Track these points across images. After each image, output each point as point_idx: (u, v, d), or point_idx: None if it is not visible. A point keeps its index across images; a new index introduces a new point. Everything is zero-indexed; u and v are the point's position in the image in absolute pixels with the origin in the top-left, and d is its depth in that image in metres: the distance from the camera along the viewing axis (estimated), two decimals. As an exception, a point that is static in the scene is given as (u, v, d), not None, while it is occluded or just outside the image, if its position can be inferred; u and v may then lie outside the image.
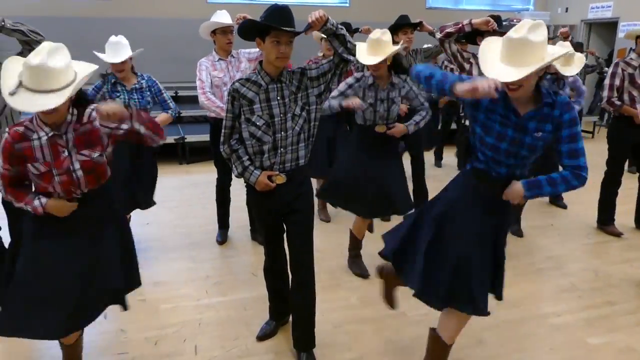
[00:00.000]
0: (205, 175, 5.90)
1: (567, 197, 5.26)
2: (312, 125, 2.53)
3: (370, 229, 3.96)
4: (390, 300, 2.80)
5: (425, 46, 4.52)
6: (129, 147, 3.41)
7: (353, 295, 3.42)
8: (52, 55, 1.90)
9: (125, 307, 2.39)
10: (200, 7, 8.06)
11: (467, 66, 3.52)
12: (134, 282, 2.43)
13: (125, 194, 3.53)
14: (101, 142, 2.16)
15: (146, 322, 3.05)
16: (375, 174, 3.42)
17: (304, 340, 2.68)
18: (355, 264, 3.75)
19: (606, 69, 7.08)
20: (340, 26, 2.38)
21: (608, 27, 10.14)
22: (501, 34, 3.43)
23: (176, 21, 8.14)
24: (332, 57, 2.49)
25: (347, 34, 2.40)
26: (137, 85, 3.66)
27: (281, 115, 2.42)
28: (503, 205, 2.23)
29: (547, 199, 5.39)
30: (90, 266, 2.18)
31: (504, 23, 3.70)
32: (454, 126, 6.89)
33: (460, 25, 3.40)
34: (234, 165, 2.56)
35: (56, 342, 2.57)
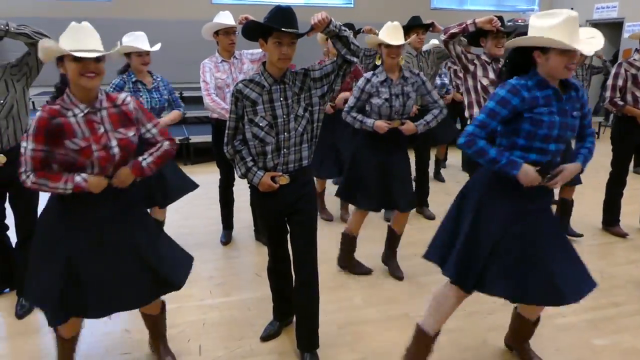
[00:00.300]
0: (210, 175, 5.91)
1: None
2: (315, 126, 2.53)
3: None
4: None
5: (435, 42, 4.51)
6: None
7: (357, 295, 3.42)
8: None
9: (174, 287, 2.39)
10: (204, 9, 8.10)
11: (471, 67, 3.51)
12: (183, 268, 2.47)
13: (143, 191, 3.51)
14: (135, 124, 2.24)
15: (150, 322, 3.06)
16: (380, 168, 3.42)
17: (308, 341, 2.68)
18: (358, 265, 3.75)
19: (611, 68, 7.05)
20: (343, 28, 2.38)
21: (613, 28, 10.10)
22: (505, 33, 3.47)
23: (181, 22, 8.17)
24: (335, 58, 2.49)
25: (351, 36, 2.40)
26: (155, 85, 3.69)
27: (284, 116, 2.43)
28: (544, 191, 2.34)
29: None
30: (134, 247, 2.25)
31: (508, 23, 3.69)
32: (457, 126, 6.86)
33: (464, 25, 3.39)
34: (237, 166, 2.57)
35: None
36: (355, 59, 2.43)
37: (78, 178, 2.08)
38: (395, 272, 3.67)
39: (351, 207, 4.25)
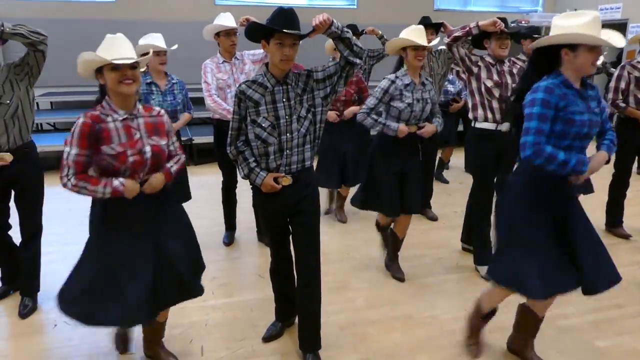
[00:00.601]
0: (213, 176, 5.93)
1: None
2: (318, 127, 2.54)
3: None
4: None
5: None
6: None
7: (359, 296, 3.42)
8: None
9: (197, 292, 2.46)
10: (208, 10, 8.11)
11: (475, 69, 3.51)
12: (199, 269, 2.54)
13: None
14: (167, 135, 2.39)
15: (153, 322, 3.06)
16: (399, 175, 3.41)
17: (310, 342, 2.69)
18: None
19: (612, 69, 7.05)
20: (345, 29, 2.38)
21: (617, 29, 9.92)
22: (509, 35, 3.47)
23: (184, 24, 8.18)
24: (338, 60, 2.50)
25: (353, 37, 2.40)
26: (169, 87, 3.70)
27: (287, 117, 2.44)
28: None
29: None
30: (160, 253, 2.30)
31: (512, 24, 3.70)
32: (460, 128, 6.85)
33: (468, 28, 3.40)
34: (240, 167, 2.57)
35: (59, 342, 2.60)
36: (358, 61, 2.43)
37: (116, 182, 2.18)
38: (397, 274, 3.67)
39: (351, 208, 4.23)
